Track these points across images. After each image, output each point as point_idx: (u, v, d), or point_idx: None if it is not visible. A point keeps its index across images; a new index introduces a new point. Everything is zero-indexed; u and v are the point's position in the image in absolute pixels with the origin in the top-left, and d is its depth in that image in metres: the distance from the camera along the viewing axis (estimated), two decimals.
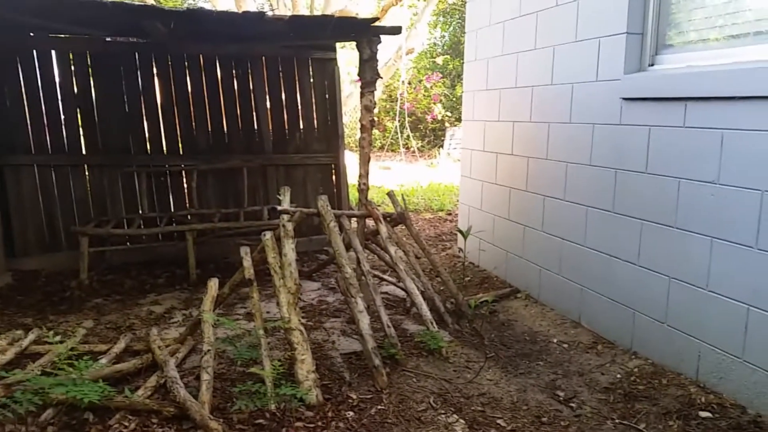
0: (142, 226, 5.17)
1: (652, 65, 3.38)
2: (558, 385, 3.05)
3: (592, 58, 3.62)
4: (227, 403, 2.71)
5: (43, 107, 5.07)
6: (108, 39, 5.19)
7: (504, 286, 4.68)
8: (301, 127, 5.87)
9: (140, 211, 5.33)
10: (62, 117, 5.15)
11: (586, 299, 3.81)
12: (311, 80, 5.85)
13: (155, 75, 5.39)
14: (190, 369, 3.13)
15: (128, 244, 5.31)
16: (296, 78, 5.79)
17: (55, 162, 5.13)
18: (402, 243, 4.24)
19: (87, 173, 5.27)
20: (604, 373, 3.17)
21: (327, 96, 5.92)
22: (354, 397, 2.83)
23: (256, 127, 5.73)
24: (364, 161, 4.23)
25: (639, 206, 3.33)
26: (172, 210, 5.48)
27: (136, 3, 3.71)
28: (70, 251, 5.11)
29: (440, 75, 17.89)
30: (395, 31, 4.20)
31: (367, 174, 4.25)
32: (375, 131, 17.50)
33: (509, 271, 4.78)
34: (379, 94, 16.51)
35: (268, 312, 3.98)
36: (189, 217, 5.38)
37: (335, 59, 5.92)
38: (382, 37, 4.17)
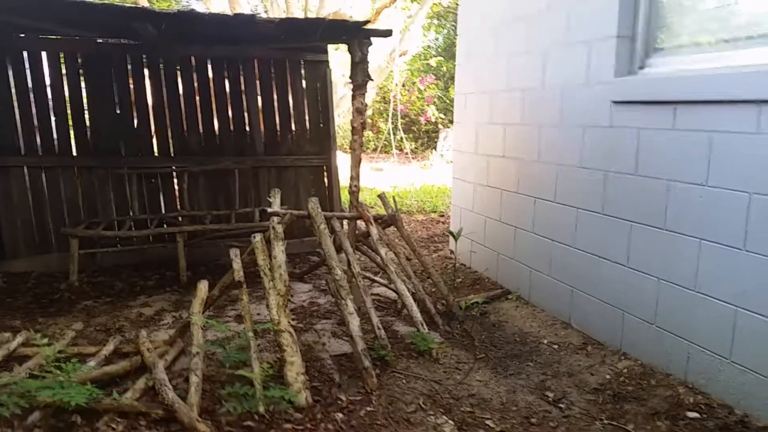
0: (133, 228, 5.14)
1: (643, 69, 3.40)
2: (547, 386, 3.06)
3: (583, 61, 3.64)
4: (216, 405, 2.70)
5: (33, 108, 5.04)
6: (99, 40, 5.18)
7: (495, 288, 4.69)
8: (293, 129, 5.87)
9: (131, 213, 5.32)
10: (53, 118, 5.12)
11: (576, 300, 3.83)
12: (303, 82, 5.85)
13: (146, 76, 5.37)
14: (179, 371, 3.12)
15: (119, 245, 5.29)
16: (288, 80, 5.79)
17: (45, 163, 5.11)
18: (393, 245, 4.24)
19: (77, 175, 5.24)
20: (593, 374, 3.18)
21: (319, 98, 5.92)
22: (344, 398, 2.82)
23: (247, 128, 5.72)
24: (356, 163, 4.23)
25: (628, 208, 3.34)
26: (163, 212, 5.47)
27: (127, 4, 3.70)
28: (61, 253, 5.08)
29: (434, 77, 17.92)
30: (386, 33, 4.21)
31: (359, 176, 4.25)
32: (368, 133, 17.52)
33: (500, 273, 4.79)
34: (372, 95, 16.53)
35: (258, 314, 3.97)
36: (180, 219, 5.37)
37: (327, 61, 5.92)
38: (376, 39, 4.18)
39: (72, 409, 2.50)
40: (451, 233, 4.92)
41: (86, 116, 5.23)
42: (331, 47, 6.78)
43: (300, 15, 13.61)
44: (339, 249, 3.82)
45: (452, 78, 17.69)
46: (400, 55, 14.35)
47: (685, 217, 2.98)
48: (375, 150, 16.74)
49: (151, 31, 4.20)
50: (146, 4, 12.58)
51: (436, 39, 20.19)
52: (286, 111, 5.83)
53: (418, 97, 17.76)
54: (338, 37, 4.57)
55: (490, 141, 4.86)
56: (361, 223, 4.23)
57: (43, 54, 5.02)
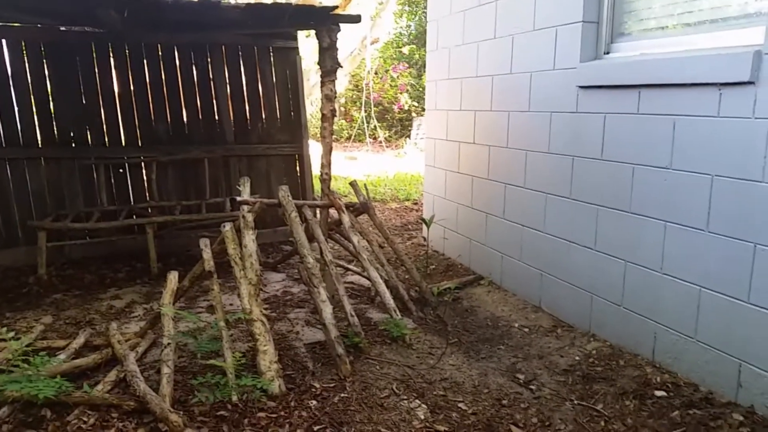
0: (102, 220, 5.06)
1: (608, 53, 3.44)
2: (518, 369, 3.11)
3: (550, 47, 3.67)
4: (188, 395, 2.68)
5: None
6: (62, 28, 5.05)
7: (467, 273, 4.73)
8: (264, 117, 5.82)
9: (99, 205, 5.22)
10: (16, 108, 4.99)
11: (546, 284, 3.89)
12: (273, 69, 5.79)
13: (112, 65, 5.27)
14: (150, 363, 3.10)
15: (87, 238, 5.20)
16: (257, 67, 5.73)
17: (9, 155, 4.98)
18: (366, 232, 4.24)
19: (43, 166, 5.13)
20: (563, 356, 3.24)
21: (289, 85, 5.87)
22: (317, 386, 2.83)
23: (216, 117, 5.65)
24: (327, 151, 4.22)
25: (595, 192, 3.40)
26: (132, 203, 5.39)
27: None
28: (28, 246, 4.98)
29: (406, 65, 17.89)
30: (355, 19, 4.18)
31: (330, 164, 4.24)
32: (342, 122, 17.44)
33: (473, 259, 4.84)
34: (345, 83, 16.45)
35: (230, 304, 3.95)
36: (149, 209, 5.29)
37: (297, 48, 5.87)
38: (347, 26, 4.15)
39: (41, 402, 2.47)
40: (424, 220, 4.94)
41: (51, 106, 5.11)
42: (301, 34, 6.71)
43: (268, 0, 13.45)
44: (311, 238, 3.81)
45: (425, 65, 17.61)
46: (372, 43, 14.28)
47: (650, 200, 3.04)
48: (349, 138, 16.70)
49: (115, 17, 4.12)
50: None
51: (408, 26, 20.13)
52: (256, 99, 5.77)
53: (391, 85, 17.72)
54: (306, 23, 4.52)
55: (460, 127, 4.88)
56: (333, 212, 4.22)
57: (4, 42, 4.87)
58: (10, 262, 4.98)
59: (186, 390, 2.76)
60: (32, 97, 5.03)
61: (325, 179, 4.19)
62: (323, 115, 4.14)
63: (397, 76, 17.49)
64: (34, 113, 5.09)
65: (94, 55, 5.18)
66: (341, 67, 4.27)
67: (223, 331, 2.90)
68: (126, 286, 4.56)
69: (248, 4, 3.90)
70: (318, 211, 4.26)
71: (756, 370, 2.55)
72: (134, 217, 5.13)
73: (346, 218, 3.98)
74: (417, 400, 2.75)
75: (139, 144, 5.42)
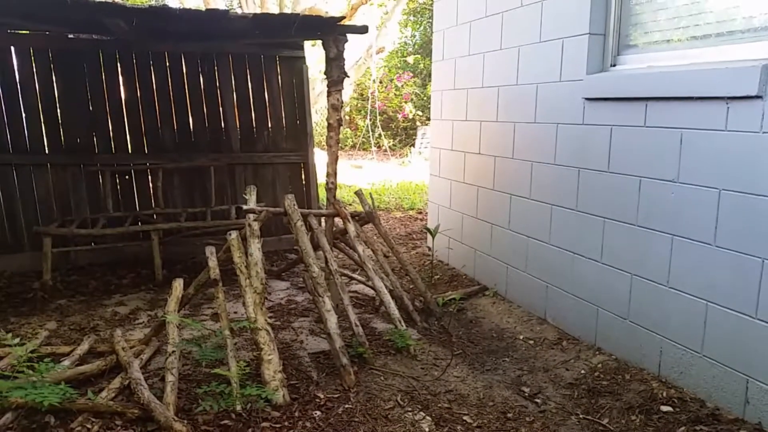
0: (107, 226, 5.07)
1: (614, 66, 3.44)
2: (523, 381, 3.10)
3: (556, 58, 3.67)
4: (192, 404, 2.68)
5: (3, 105, 4.94)
6: (71, 36, 5.08)
7: (472, 284, 4.72)
8: (269, 125, 5.83)
9: (105, 211, 5.24)
10: (23, 115, 5.02)
11: (551, 296, 3.87)
12: (279, 78, 5.81)
13: (119, 72, 5.29)
14: (155, 370, 3.09)
15: (93, 244, 5.21)
16: (264, 76, 5.75)
17: (16, 161, 5.00)
18: (371, 242, 4.24)
19: (50, 172, 5.15)
20: (568, 369, 3.22)
21: (295, 94, 5.89)
22: (321, 396, 2.82)
23: (223, 125, 5.67)
24: (332, 160, 4.22)
25: (602, 204, 3.39)
26: (138, 209, 5.40)
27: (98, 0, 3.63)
28: (33, 252, 4.99)
29: (411, 74, 17.94)
30: (362, 30, 4.20)
31: (335, 173, 4.24)
32: (347, 130, 17.49)
33: (477, 269, 4.83)
34: (350, 92, 16.49)
35: (234, 312, 3.95)
36: (155, 216, 5.30)
37: (303, 57, 5.89)
38: (352, 35, 4.17)
39: (45, 409, 2.47)
40: (429, 230, 4.94)
41: (58, 113, 5.14)
42: (307, 43, 6.74)
43: (275, 11, 13.51)
44: (316, 246, 3.81)
45: (429, 75, 17.74)
46: (377, 52, 14.32)
47: (657, 213, 3.03)
48: (353, 147, 16.74)
49: (123, 26, 4.14)
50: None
51: (413, 36, 20.20)
52: (262, 107, 5.79)
53: (395, 94, 17.77)
54: (313, 33, 4.55)
55: (466, 138, 4.89)
56: (338, 221, 4.23)
57: (12, 49, 4.91)
58: (15, 267, 5.00)
59: (190, 398, 2.75)
60: (40, 103, 5.06)
61: (331, 188, 4.20)
62: (329, 124, 4.15)
63: (402, 85, 17.53)
64: (42, 120, 5.11)
65: (102, 63, 5.21)
66: (348, 77, 4.28)
67: (228, 339, 2.89)
68: (130, 292, 4.56)
69: (256, 15, 3.92)
70: (323, 220, 4.26)
71: (764, 386, 2.53)
72: (140, 223, 5.15)
73: (351, 227, 3.98)
74: (421, 412, 2.74)
75: (146, 151, 5.44)
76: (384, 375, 3.09)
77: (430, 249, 5.66)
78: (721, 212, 2.69)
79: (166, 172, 5.45)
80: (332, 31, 4.06)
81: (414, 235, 6.56)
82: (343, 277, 4.00)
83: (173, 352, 2.88)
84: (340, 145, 4.45)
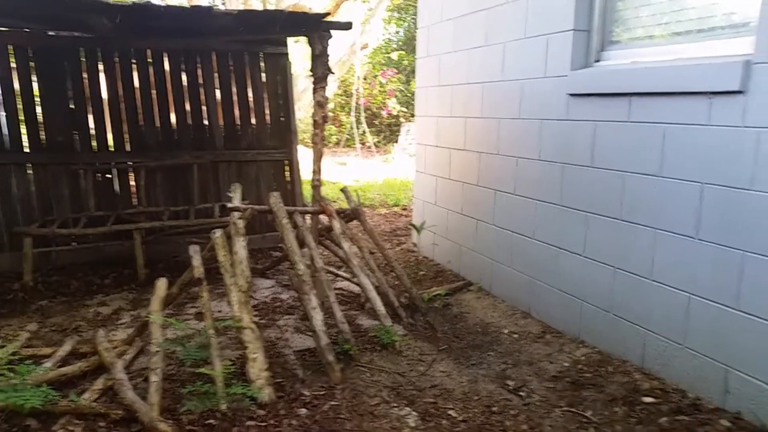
0: (89, 226, 5.01)
1: (598, 61, 3.47)
2: (508, 375, 3.11)
3: (541, 54, 3.69)
4: (177, 404, 2.66)
5: None
6: (51, 33, 5.01)
7: (457, 280, 4.74)
8: (253, 122, 5.80)
9: (86, 210, 5.17)
10: (3, 114, 4.94)
11: (535, 290, 3.90)
12: (263, 75, 5.78)
13: (101, 70, 5.23)
14: (138, 371, 3.07)
15: (74, 244, 5.15)
16: (247, 73, 5.71)
17: None
18: (356, 239, 4.23)
19: (30, 171, 5.07)
20: (552, 362, 3.25)
21: (279, 91, 5.86)
22: (307, 393, 2.82)
23: (206, 123, 5.63)
24: (317, 157, 4.21)
25: (585, 199, 3.42)
26: (120, 209, 5.34)
27: None
28: (13, 252, 4.91)
29: (395, 70, 17.93)
30: (346, 26, 4.19)
31: (320, 170, 4.23)
32: (331, 127, 17.43)
33: (462, 265, 4.84)
34: (334, 89, 16.45)
35: (219, 311, 3.93)
36: (137, 215, 5.25)
37: (287, 54, 5.86)
38: (336, 32, 4.15)
39: (27, 412, 2.44)
40: (414, 226, 4.95)
41: (39, 111, 5.06)
42: (291, 40, 6.70)
43: (259, 7, 13.42)
44: (302, 244, 3.80)
45: (413, 71, 17.65)
46: (361, 48, 14.30)
47: (640, 207, 3.06)
48: (338, 144, 16.68)
49: (106, 23, 4.09)
50: None
51: (397, 32, 20.19)
52: (245, 104, 5.75)
53: (379, 91, 17.75)
54: (298, 30, 4.52)
55: (451, 134, 4.89)
56: (323, 218, 4.21)
57: None
58: None
59: (174, 398, 2.73)
60: (20, 101, 4.98)
61: (316, 185, 4.18)
62: (315, 121, 4.14)
63: (386, 82, 17.52)
64: (22, 118, 5.03)
65: (83, 60, 5.14)
66: (333, 73, 4.27)
67: (212, 338, 2.87)
68: (113, 292, 4.51)
69: (240, 11, 3.89)
70: (308, 217, 4.25)
71: (743, 376, 2.57)
72: (122, 223, 5.09)
73: (337, 224, 3.97)
74: (407, 408, 2.74)
75: (128, 149, 5.38)
76: (370, 371, 3.10)
77: (415, 245, 5.67)
78: (704, 206, 2.72)
79: (148, 171, 5.40)
80: (317, 28, 4.04)
81: (399, 232, 6.57)
82: (328, 275, 3.99)
83: (157, 352, 2.85)
84: (324, 141, 4.43)
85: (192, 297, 4.25)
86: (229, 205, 3.64)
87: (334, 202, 6.01)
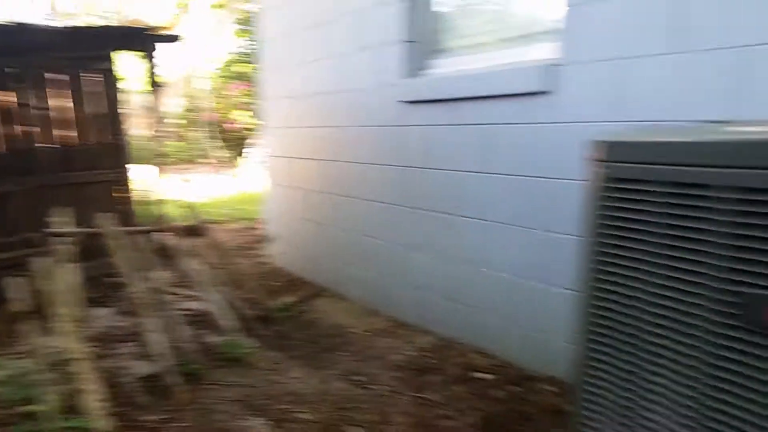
0: None
1: (427, 70, 3.67)
2: (359, 372, 3.22)
3: (373, 65, 3.87)
4: None
5: None
6: None
7: (311, 287, 4.78)
8: (83, 142, 5.42)
9: None
10: None
11: (385, 289, 4.06)
12: (92, 93, 5.43)
13: None
14: None
15: None
16: (77, 91, 5.33)
17: None
18: (203, 255, 4.12)
19: None
20: (400, 354, 3.40)
21: (110, 109, 5.54)
22: (153, 418, 2.71)
23: (31, 145, 5.17)
24: (156, 174, 4.05)
25: (423, 199, 3.63)
26: None
27: None
28: None
29: (241, 83, 17.63)
30: (174, 39, 4.10)
31: (160, 187, 4.08)
32: (177, 142, 16.74)
33: (316, 272, 4.90)
34: (181, 103, 15.84)
35: (51, 345, 3.63)
36: None
37: (116, 70, 5.56)
38: (181, 45, 4.04)
39: None
40: (265, 238, 4.92)
41: None
42: (123, 54, 6.37)
43: (98, 21, 12.59)
44: (142, 265, 3.63)
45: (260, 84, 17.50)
46: (207, 62, 13.92)
47: (469, 201, 3.31)
48: (185, 160, 16.06)
49: None
50: None
51: (243, 46, 19.88)
52: (75, 124, 5.37)
53: (227, 105, 17.35)
54: (129, 45, 4.35)
55: (296, 144, 4.94)
56: (166, 236, 4.06)
57: None
58: None
59: None
60: None
61: (155, 203, 4.03)
62: (152, 137, 3.99)
63: (233, 95, 17.18)
64: None
65: None
66: (164, 86, 4.14)
67: (42, 374, 2.67)
68: None
69: (69, 28, 3.67)
70: (149, 237, 4.07)
71: (561, 344, 2.87)
72: None
73: (179, 242, 3.85)
74: (260, 418, 2.74)
75: None
76: (220, 388, 3.04)
77: (268, 257, 5.63)
78: (521, 195, 3.00)
79: None
80: (147, 42, 3.92)
81: (249, 245, 6.48)
82: (173, 295, 3.85)
83: None
84: (170, 158, 4.28)
85: (20, 333, 3.88)
86: (56, 230, 3.40)
87: (178, 220, 5.80)
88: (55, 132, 5.29)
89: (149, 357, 3.42)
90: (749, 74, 2.10)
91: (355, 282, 4.37)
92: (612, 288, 1.22)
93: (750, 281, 0.92)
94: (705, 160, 0.95)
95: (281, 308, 4.20)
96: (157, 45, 3.97)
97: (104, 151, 5.53)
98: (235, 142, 17.58)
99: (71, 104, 5.32)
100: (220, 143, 16.86)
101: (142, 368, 3.33)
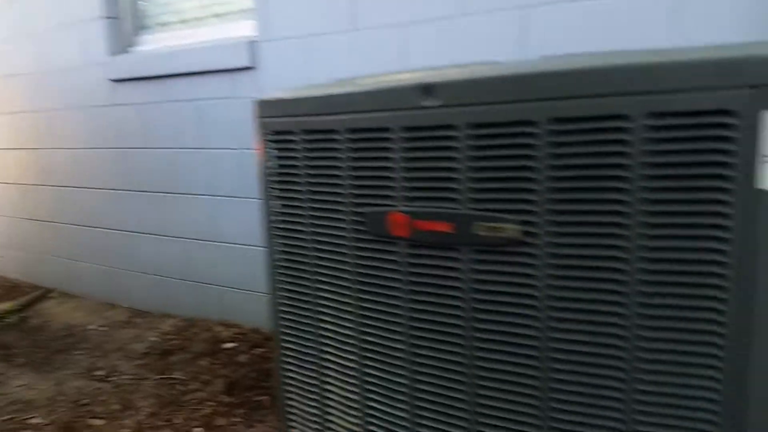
0: None
1: (134, 47, 3.58)
2: (97, 367, 3.08)
3: (78, 43, 3.64)
4: None
5: None
6: None
7: (35, 290, 4.34)
8: None
9: None
10: None
11: (118, 280, 3.89)
12: None
13: None
14: None
15: None
16: None
17: None
18: None
19: None
20: (141, 342, 3.33)
21: None
22: None
23: None
24: None
25: (147, 181, 3.55)
26: None
27: None
28: None
29: None
30: None
31: None
32: None
33: (38, 273, 4.46)
34: None
35: None
36: None
37: None
38: None
39: None
40: None
41: None
42: None
43: None
44: None
45: None
46: None
47: (196, 179, 3.34)
48: None
49: None
50: None
51: None
52: None
53: None
54: None
55: (3, 134, 4.40)
56: None
57: None
58: None
59: None
60: None
61: None
62: None
63: None
64: None
65: None
66: None
67: None
68: None
69: None
70: None
71: (260, 295, 3.10)
72: None
73: None
74: None
75: None
76: None
77: None
78: (238, 168, 3.14)
79: None
80: None
81: None
82: None
83: None
84: None
85: None
86: None
87: None
88: None
89: None
90: (406, 49, 2.52)
91: (86, 277, 4.09)
92: (283, 233, 1.40)
93: (370, 202, 1.20)
94: (332, 110, 1.20)
95: (1, 317, 3.77)
96: None
97: None
98: None
99: None
100: None
101: None
